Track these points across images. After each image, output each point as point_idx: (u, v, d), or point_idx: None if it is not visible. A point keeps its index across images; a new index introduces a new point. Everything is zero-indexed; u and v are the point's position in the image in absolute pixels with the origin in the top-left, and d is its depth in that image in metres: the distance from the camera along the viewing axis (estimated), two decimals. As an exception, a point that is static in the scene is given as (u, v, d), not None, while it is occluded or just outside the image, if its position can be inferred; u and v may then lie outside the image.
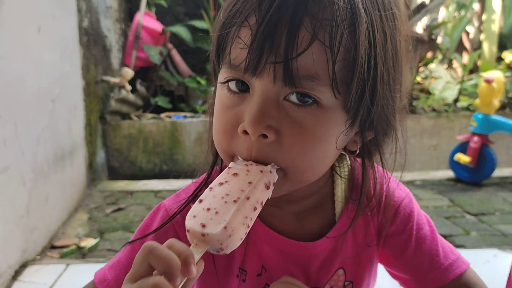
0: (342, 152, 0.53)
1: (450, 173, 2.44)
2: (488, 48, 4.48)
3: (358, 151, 0.50)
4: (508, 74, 4.25)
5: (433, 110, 3.18)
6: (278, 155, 0.44)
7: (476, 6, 4.55)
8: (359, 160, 0.55)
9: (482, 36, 4.51)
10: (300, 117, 0.43)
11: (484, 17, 4.49)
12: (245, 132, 0.44)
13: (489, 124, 2.28)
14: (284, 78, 0.42)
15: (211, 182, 0.50)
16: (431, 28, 3.14)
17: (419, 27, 3.73)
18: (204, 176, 0.56)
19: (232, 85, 0.46)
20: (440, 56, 3.96)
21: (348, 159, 0.57)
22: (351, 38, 0.41)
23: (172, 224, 0.54)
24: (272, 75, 0.42)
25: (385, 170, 0.58)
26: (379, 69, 0.43)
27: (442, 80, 3.76)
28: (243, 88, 0.45)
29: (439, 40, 3.55)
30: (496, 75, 2.24)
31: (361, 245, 0.57)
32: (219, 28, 0.45)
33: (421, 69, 3.70)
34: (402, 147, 0.53)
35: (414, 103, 3.32)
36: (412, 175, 2.51)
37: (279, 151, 0.44)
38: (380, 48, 0.43)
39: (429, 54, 4.20)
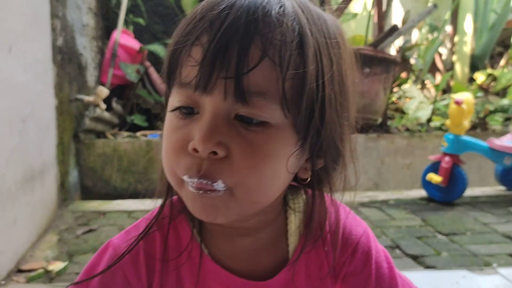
0: (295, 184, 0.53)
1: (423, 193, 2.48)
2: (460, 69, 4.62)
3: (309, 179, 0.50)
4: (479, 94, 4.39)
5: (407, 129, 3.25)
6: (227, 172, 0.44)
7: (449, 28, 4.70)
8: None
9: (454, 57, 4.65)
10: (251, 135, 0.44)
11: (456, 39, 4.64)
12: (195, 150, 0.44)
13: (459, 145, 2.33)
14: (235, 94, 0.42)
15: (163, 218, 0.49)
16: (404, 50, 3.22)
17: (393, 49, 3.82)
18: (155, 210, 0.54)
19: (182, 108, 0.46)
20: (413, 77, 4.06)
21: (303, 192, 0.57)
22: (300, 58, 0.43)
23: (121, 265, 0.52)
24: (223, 91, 0.42)
25: (342, 205, 0.58)
26: (327, 92, 0.45)
27: (415, 100, 3.85)
28: (194, 111, 0.46)
29: (412, 61, 3.64)
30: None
31: (315, 282, 0.56)
32: (171, 49, 0.46)
33: (395, 89, 3.79)
34: (354, 174, 0.54)
35: (389, 122, 3.39)
36: (386, 195, 2.54)
37: (227, 168, 0.44)
38: (328, 72, 0.45)
39: (404, 75, 4.30)
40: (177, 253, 0.53)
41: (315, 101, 0.44)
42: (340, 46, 0.47)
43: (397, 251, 1.74)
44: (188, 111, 0.46)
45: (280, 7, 0.43)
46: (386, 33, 2.76)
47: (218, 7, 0.43)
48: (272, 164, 0.45)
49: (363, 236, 0.58)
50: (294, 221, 0.55)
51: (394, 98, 3.70)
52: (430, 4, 4.27)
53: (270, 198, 0.48)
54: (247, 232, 0.53)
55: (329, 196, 0.55)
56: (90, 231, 1.98)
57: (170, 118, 0.48)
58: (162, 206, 0.54)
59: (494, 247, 1.78)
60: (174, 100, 0.47)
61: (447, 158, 2.33)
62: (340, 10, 3.05)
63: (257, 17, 0.42)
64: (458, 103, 2.23)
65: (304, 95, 0.43)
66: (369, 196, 2.51)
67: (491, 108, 3.22)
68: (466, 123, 2.32)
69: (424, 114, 3.58)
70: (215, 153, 0.43)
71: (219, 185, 0.44)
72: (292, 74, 0.43)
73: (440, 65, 4.67)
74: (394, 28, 2.74)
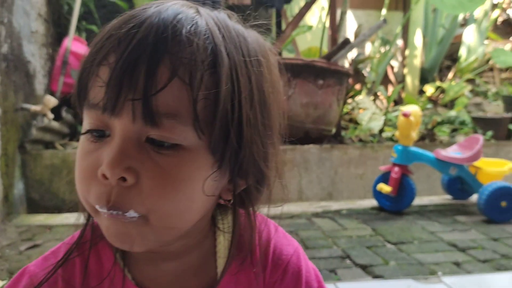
0: (225, 203, 0.53)
1: (374, 202, 2.55)
2: (411, 81, 4.81)
3: (232, 200, 0.50)
4: (429, 106, 4.58)
5: (360, 140, 3.33)
6: (137, 200, 0.42)
7: (400, 42, 4.89)
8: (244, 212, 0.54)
9: (405, 70, 4.84)
10: (162, 159, 0.42)
11: (407, 52, 4.83)
12: (104, 177, 0.41)
13: (408, 155, 2.41)
14: (144, 116, 0.41)
15: (84, 242, 0.47)
16: (356, 63, 3.31)
17: (347, 62, 3.93)
18: (76, 234, 0.52)
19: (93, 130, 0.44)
20: (367, 89, 4.18)
21: (233, 212, 0.55)
22: (213, 78, 0.42)
23: None
24: (131, 113, 0.41)
25: (274, 224, 0.58)
26: (245, 112, 0.44)
27: (369, 111, 3.97)
28: (105, 133, 0.44)
29: (365, 73, 3.75)
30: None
31: None
32: (80, 70, 0.44)
33: (349, 100, 3.88)
34: (283, 195, 0.53)
35: (343, 133, 3.47)
36: (339, 205, 2.58)
37: (138, 196, 0.42)
38: (245, 91, 0.44)
39: (357, 87, 4.43)
40: (99, 279, 0.50)
41: (231, 121, 0.43)
42: (261, 64, 0.46)
43: (347, 261, 1.77)
44: (100, 134, 0.44)
45: (192, 25, 0.42)
46: (338, 46, 2.84)
47: (127, 25, 0.42)
48: (186, 189, 0.43)
49: (293, 256, 0.57)
50: (223, 242, 0.54)
51: (347, 109, 3.79)
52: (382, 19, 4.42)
53: (188, 223, 0.47)
54: (172, 256, 0.51)
55: (260, 215, 0.55)
56: (35, 246, 1.89)
57: (82, 142, 0.45)
58: (83, 230, 0.51)
59: (439, 255, 1.85)
60: (85, 122, 0.45)
61: (396, 169, 2.40)
62: (294, 23, 3.11)
63: (167, 36, 0.41)
64: (405, 115, 2.31)
65: (218, 115, 0.42)
66: (322, 206, 2.54)
67: (439, 119, 3.36)
68: (414, 135, 2.41)
69: (376, 125, 3.68)
70: (124, 179, 0.41)
71: (131, 214, 0.42)
72: (205, 94, 0.41)
73: (392, 77, 4.84)
74: (346, 41, 2.82)
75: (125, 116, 0.41)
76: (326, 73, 2.89)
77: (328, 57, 2.93)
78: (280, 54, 3.92)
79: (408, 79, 4.80)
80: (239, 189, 0.48)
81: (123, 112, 0.41)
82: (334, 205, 2.58)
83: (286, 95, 2.96)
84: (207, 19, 0.44)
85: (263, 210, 0.54)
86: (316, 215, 2.41)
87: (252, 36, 0.48)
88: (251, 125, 0.45)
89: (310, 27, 3.81)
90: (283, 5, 3.24)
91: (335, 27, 3.27)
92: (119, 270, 0.51)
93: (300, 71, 2.90)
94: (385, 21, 2.74)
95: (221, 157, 0.44)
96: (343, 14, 3.36)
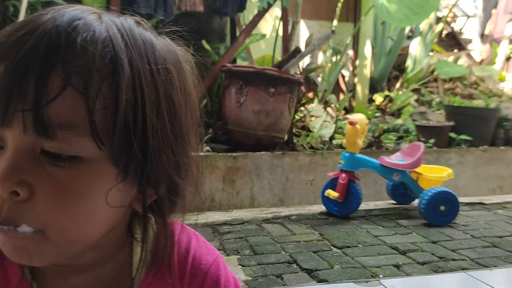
0: (138, 212, 0.51)
1: (323, 207, 2.61)
2: (361, 90, 4.98)
3: (143, 211, 0.48)
4: (378, 114, 4.76)
5: (311, 147, 3.41)
6: (30, 215, 0.40)
7: (351, 52, 5.05)
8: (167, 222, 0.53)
9: (356, 80, 5.00)
10: (58, 172, 0.41)
11: (357, 62, 4.99)
12: None
13: (354, 162, 2.49)
14: (35, 128, 0.39)
15: None
16: (307, 71, 3.39)
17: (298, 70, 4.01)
18: None
19: None
20: (318, 97, 4.29)
21: (153, 222, 0.54)
22: (112, 87, 0.41)
23: None
24: (22, 124, 0.39)
25: (195, 233, 0.58)
26: (150, 122, 0.43)
27: (320, 119, 4.07)
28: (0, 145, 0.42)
29: (317, 82, 3.85)
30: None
31: None
32: None
33: (302, 108, 3.97)
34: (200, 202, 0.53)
35: (295, 140, 3.53)
36: (289, 210, 2.62)
37: (31, 210, 0.40)
38: (151, 101, 0.43)
39: (310, 95, 4.53)
40: None
41: (134, 132, 0.42)
42: (170, 72, 0.46)
43: (294, 266, 1.80)
44: None
45: (90, 33, 0.41)
46: (289, 54, 2.90)
47: (19, 32, 0.40)
48: (85, 201, 0.42)
49: (213, 265, 0.57)
50: (140, 254, 0.53)
51: (299, 117, 3.87)
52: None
53: (91, 236, 0.45)
54: (83, 268, 0.50)
55: (181, 224, 0.55)
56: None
57: None
58: None
59: (381, 258, 1.92)
60: None
61: (343, 175, 2.48)
62: (247, 31, 3.15)
63: (59, 43, 0.39)
64: (352, 123, 2.40)
65: (118, 126, 0.41)
66: (273, 212, 2.58)
67: (385, 127, 3.50)
68: (360, 142, 2.50)
69: (327, 132, 3.78)
70: (17, 193, 0.40)
71: (24, 228, 0.41)
72: (103, 104, 0.40)
73: (343, 86, 4.99)
74: (297, 50, 2.88)
75: (16, 128, 0.40)
76: (278, 81, 2.95)
77: (280, 65, 2.99)
78: (234, 61, 3.95)
79: (359, 88, 4.96)
80: (149, 199, 0.47)
81: (13, 124, 0.40)
82: (284, 211, 2.62)
83: (238, 102, 2.99)
84: (109, 26, 0.43)
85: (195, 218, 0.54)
86: (267, 220, 2.44)
87: (161, 44, 0.47)
88: (159, 135, 0.44)
89: (263, 36, 3.87)
90: (236, 13, 3.27)
91: (287, 36, 3.34)
92: (26, 285, 0.49)
93: (252, 79, 2.94)
94: (333, 32, 2.83)
95: (125, 168, 0.43)
96: (295, 24, 3.44)
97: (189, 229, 0.57)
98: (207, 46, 3.52)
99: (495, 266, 1.84)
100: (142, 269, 0.53)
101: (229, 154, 2.93)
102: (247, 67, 2.98)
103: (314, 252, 1.96)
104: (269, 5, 3.14)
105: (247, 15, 4.14)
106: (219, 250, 1.93)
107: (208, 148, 3.04)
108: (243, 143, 3.07)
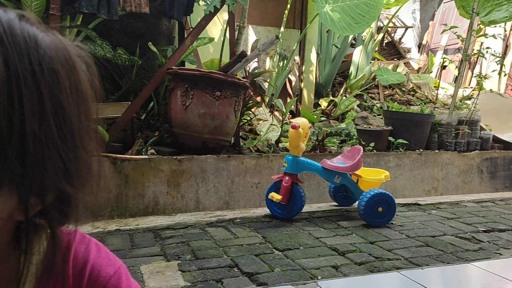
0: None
1: (268, 210, 2.64)
2: (307, 95, 5.09)
3: (26, 222, 0.45)
4: (323, 118, 4.88)
5: (258, 150, 3.44)
6: None
7: (297, 58, 5.15)
8: (66, 231, 0.51)
9: (302, 85, 5.10)
10: None
11: (303, 68, 5.10)
12: None
13: (297, 165, 2.55)
14: None
15: None
16: (253, 76, 3.42)
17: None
18: None
19: None
20: (266, 101, 4.34)
21: (49, 231, 0.50)
22: None
23: None
24: None
25: (96, 243, 0.55)
26: (30, 127, 0.40)
27: (268, 122, 4.12)
28: None
29: (262, 86, 3.89)
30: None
31: None
32: None
33: (249, 111, 3.99)
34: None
35: (242, 143, 3.55)
36: (233, 214, 2.63)
37: None
38: (32, 104, 0.40)
39: (258, 99, 4.57)
40: None
41: (8, 138, 0.39)
42: (57, 72, 0.42)
43: (235, 270, 1.81)
44: None
45: None
46: (235, 59, 2.91)
47: None
48: None
49: (113, 277, 0.54)
50: (32, 263, 0.50)
51: (246, 120, 3.90)
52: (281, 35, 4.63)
53: None
54: None
55: (81, 234, 0.52)
56: None
57: None
58: None
59: (321, 260, 1.97)
60: None
61: (287, 178, 2.52)
62: (193, 35, 3.13)
63: None
64: (294, 127, 2.45)
65: None
66: (217, 216, 2.58)
67: (329, 131, 3.60)
68: (303, 145, 2.55)
69: (274, 135, 3.83)
70: None
71: None
72: None
73: (290, 91, 5.08)
74: (243, 55, 2.90)
75: None
76: (224, 85, 2.95)
77: (225, 69, 3.00)
78: (183, 64, 3.91)
79: (305, 93, 5.07)
80: (33, 209, 0.44)
81: None
82: (229, 214, 2.62)
83: (184, 105, 2.96)
84: None
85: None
86: (211, 224, 2.43)
87: (49, 40, 0.43)
88: (42, 141, 0.41)
89: (211, 39, 3.87)
90: (182, 16, 3.24)
91: (234, 40, 3.36)
92: None
93: (197, 82, 2.92)
94: (277, 37, 2.88)
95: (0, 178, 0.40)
96: (241, 28, 3.46)
97: (89, 239, 0.55)
98: (153, 48, 3.46)
99: (427, 265, 1.94)
100: (30, 282, 0.49)
101: (174, 157, 2.90)
102: (193, 70, 2.96)
103: (256, 255, 1.98)
104: (216, 10, 3.14)
105: (197, 18, 4.13)
106: (159, 255, 1.91)
107: (152, 151, 2.98)
108: (188, 146, 3.04)
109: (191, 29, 3.59)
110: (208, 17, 3.19)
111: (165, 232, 2.26)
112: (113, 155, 2.65)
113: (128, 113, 3.02)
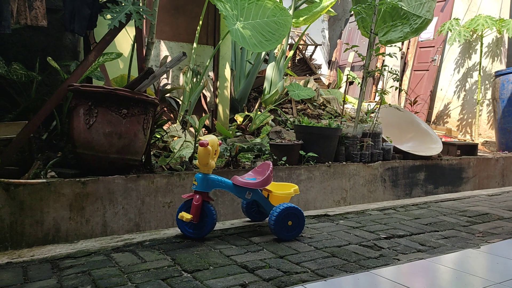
0: None
1: (179, 230, 2.57)
2: (222, 110, 5.11)
3: None
4: (238, 133, 4.92)
5: (170, 168, 3.36)
6: None
7: (212, 74, 5.16)
8: None
9: (217, 100, 5.12)
10: None
11: (218, 83, 5.12)
12: None
13: (208, 183, 2.52)
14: None
15: None
16: (163, 92, 3.36)
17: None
18: None
19: None
20: (179, 117, 4.27)
21: None
22: None
23: None
24: None
25: None
26: None
27: (181, 139, 4.05)
28: None
29: (172, 103, 3.83)
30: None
31: None
32: None
33: (162, 129, 3.90)
34: None
35: (154, 161, 3.44)
36: (142, 236, 2.52)
37: None
38: None
39: (172, 115, 4.49)
40: None
41: None
42: None
43: (139, 297, 1.72)
44: None
45: None
46: (142, 75, 2.83)
47: None
48: None
49: None
50: None
51: (156, 138, 3.80)
52: (192, 52, 4.61)
53: None
54: None
55: None
56: None
57: None
58: None
59: (230, 279, 1.94)
60: None
61: (197, 196, 2.48)
62: (98, 50, 3.00)
63: None
64: (203, 145, 2.42)
65: None
66: (125, 240, 2.45)
67: (242, 146, 3.63)
68: (213, 163, 2.53)
69: (188, 152, 3.78)
70: None
71: None
72: None
73: (205, 106, 5.06)
74: (150, 72, 2.84)
75: None
76: (130, 102, 2.85)
77: (132, 86, 2.90)
78: (89, 80, 3.72)
79: (220, 109, 5.08)
80: None
81: None
82: (137, 237, 2.51)
83: (88, 124, 2.81)
84: None
85: None
86: (117, 249, 2.31)
87: None
88: None
89: (119, 54, 3.74)
90: (84, 30, 3.09)
91: (143, 56, 3.27)
92: None
93: (102, 99, 2.80)
94: (184, 54, 2.86)
95: None
96: (150, 44, 3.39)
97: None
98: (53, 63, 3.26)
99: (331, 276, 2.00)
100: None
101: (78, 179, 2.73)
102: (96, 87, 2.82)
103: (163, 279, 1.91)
104: (122, 24, 3.04)
105: (103, 33, 3.96)
106: (54, 288, 1.76)
107: (53, 173, 2.78)
108: (94, 167, 2.88)
109: (95, 43, 3.44)
110: (113, 32, 3.08)
111: (64, 262, 2.09)
112: (5, 180, 2.42)
113: (24, 133, 2.79)
